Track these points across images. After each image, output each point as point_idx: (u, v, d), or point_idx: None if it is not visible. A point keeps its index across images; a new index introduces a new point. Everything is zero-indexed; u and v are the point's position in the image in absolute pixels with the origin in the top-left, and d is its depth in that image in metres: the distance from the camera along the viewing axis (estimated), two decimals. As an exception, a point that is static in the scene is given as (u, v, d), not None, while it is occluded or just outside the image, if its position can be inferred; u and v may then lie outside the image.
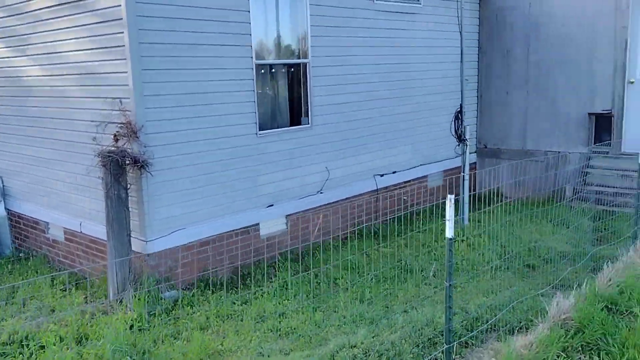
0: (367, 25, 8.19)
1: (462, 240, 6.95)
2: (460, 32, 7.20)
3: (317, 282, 6.16)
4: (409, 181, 9.30)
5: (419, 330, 4.33)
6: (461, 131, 7.14)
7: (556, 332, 4.04)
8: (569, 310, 4.39)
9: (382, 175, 8.72)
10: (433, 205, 9.35)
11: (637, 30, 8.81)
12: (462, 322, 4.43)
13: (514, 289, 5.54)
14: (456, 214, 8.15)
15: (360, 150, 8.35)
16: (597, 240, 7.28)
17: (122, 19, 5.59)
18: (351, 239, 7.77)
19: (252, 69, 6.71)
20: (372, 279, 6.04)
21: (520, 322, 4.48)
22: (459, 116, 7.14)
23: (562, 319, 4.33)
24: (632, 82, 8.95)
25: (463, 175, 7.26)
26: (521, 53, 10.06)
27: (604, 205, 8.56)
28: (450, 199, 3.16)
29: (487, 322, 4.37)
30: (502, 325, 4.37)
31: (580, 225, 7.70)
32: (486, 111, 10.62)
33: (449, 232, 3.31)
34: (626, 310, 4.60)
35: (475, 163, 10.78)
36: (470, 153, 10.68)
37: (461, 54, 7.26)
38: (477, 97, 10.65)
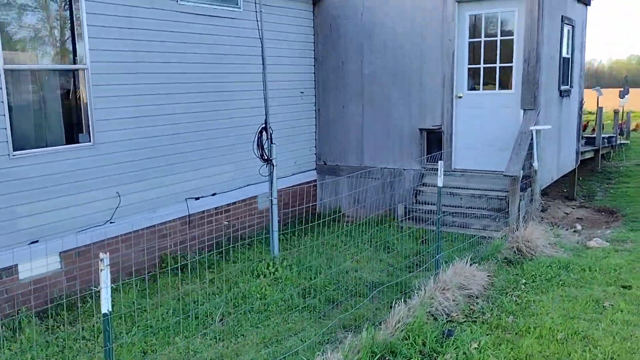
0: (171, 29, 7.17)
1: (265, 276, 6.09)
2: (261, 39, 6.39)
3: (74, 339, 4.98)
4: (234, 203, 8.36)
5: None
6: (263, 150, 6.30)
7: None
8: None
9: (197, 199, 7.70)
10: (263, 228, 8.53)
11: (463, 43, 8.58)
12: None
13: (304, 334, 4.75)
14: (267, 245, 7.34)
15: (166, 171, 7.27)
16: (417, 266, 6.76)
17: None
18: (162, 274, 6.69)
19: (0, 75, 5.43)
20: (139, 332, 4.97)
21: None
22: (262, 133, 6.30)
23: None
24: (460, 97, 8.71)
25: (271, 200, 6.42)
26: (356, 65, 9.55)
27: (434, 225, 8.15)
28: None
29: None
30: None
31: (402, 250, 7.18)
32: (324, 126, 10.00)
33: (105, 306, 2.34)
34: (403, 362, 3.94)
35: (315, 180, 10.12)
36: (308, 171, 10.08)
37: (263, 63, 6.46)
38: (315, 110, 10.02)
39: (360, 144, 9.70)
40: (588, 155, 13.65)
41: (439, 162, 5.62)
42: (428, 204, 8.67)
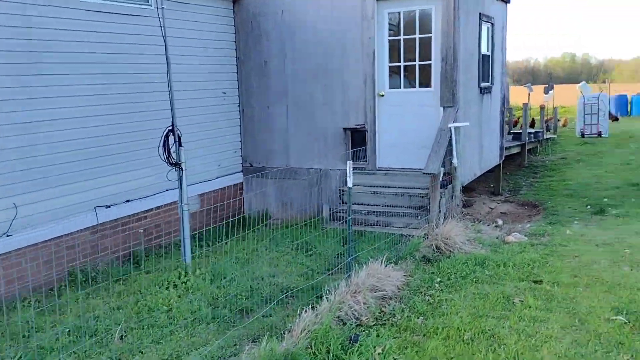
0: (75, 28, 6.75)
1: (176, 286, 5.79)
2: (164, 37, 6.08)
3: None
4: (153, 209, 8.00)
5: None
6: (170, 154, 5.99)
7: None
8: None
9: (108, 207, 7.29)
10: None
11: (383, 41, 8.52)
12: None
13: (207, 349, 4.49)
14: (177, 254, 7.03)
15: (74, 178, 6.84)
16: (339, 268, 6.62)
17: None
18: (71, 288, 6.27)
19: None
20: (26, 355, 4.58)
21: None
22: (169, 136, 5.99)
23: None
24: (382, 95, 8.65)
25: (181, 206, 6.12)
26: (278, 64, 9.35)
27: (358, 225, 8.06)
28: None
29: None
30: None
31: (323, 252, 7.03)
32: (249, 127, 9.75)
33: None
34: (303, 374, 3.75)
35: (241, 183, 9.85)
36: (234, 173, 9.79)
37: (167, 63, 6.14)
38: (240, 111, 9.74)
39: (286, 145, 9.51)
40: (515, 151, 13.99)
41: (348, 162, 5.54)
42: (354, 203, 8.56)
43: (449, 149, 7.92)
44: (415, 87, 8.51)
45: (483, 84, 9.49)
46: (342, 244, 7.50)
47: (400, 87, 8.60)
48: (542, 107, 17.21)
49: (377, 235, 7.40)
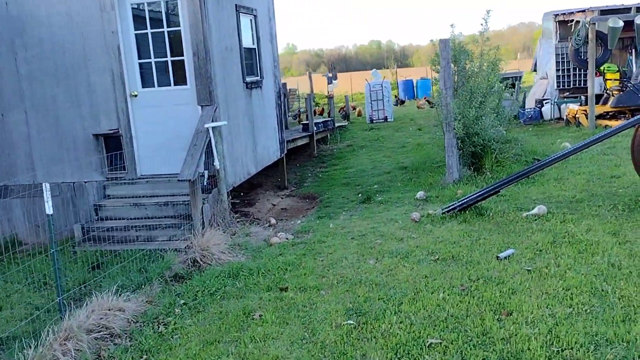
0: None
1: None
2: None
3: None
4: None
5: None
6: None
7: None
8: None
9: None
10: None
11: (129, 35, 7.67)
12: None
13: None
14: None
15: None
16: (76, 300, 5.71)
17: None
18: None
19: None
20: None
21: None
22: None
23: None
24: (135, 95, 7.82)
25: None
26: (10, 65, 7.95)
27: (116, 243, 7.18)
28: None
29: None
30: None
31: (62, 283, 6.05)
32: (-17, 139, 8.20)
33: None
34: None
35: (-20, 207, 8.28)
36: (-35, 196, 8.20)
37: None
38: (-32, 122, 8.13)
39: (30, 158, 8.19)
40: (304, 142, 14.11)
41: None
42: (111, 219, 7.65)
43: (210, 150, 7.41)
44: (170, 85, 7.82)
45: (249, 79, 9.15)
46: (91, 269, 6.58)
47: (154, 86, 7.84)
48: (330, 97, 17.71)
49: (135, 254, 6.61)
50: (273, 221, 8.22)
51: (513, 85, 23.15)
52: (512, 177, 7.21)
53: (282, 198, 10.67)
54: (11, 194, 8.22)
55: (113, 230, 7.32)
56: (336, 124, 17.34)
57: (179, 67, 7.74)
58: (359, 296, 4.78)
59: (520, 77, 25.49)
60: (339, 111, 20.06)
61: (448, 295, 4.58)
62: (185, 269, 6.02)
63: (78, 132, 7.99)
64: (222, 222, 7.42)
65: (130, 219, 7.57)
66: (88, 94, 7.87)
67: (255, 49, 9.57)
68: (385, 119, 19.41)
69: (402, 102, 25.32)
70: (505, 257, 5.23)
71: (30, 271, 6.41)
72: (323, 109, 20.95)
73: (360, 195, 9.29)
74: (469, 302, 4.38)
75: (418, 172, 10.29)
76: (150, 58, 7.73)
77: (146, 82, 7.85)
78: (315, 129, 14.76)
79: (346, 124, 19.08)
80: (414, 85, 28.85)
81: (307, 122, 14.85)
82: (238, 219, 8.30)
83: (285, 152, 11.37)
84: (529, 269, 4.91)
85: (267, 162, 10.09)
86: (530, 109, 15.85)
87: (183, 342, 4.30)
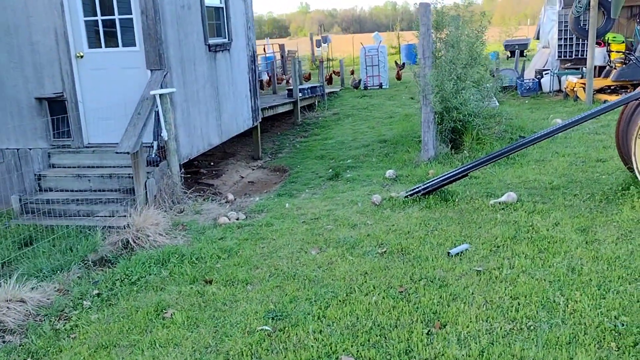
0: None
1: None
2: None
3: None
4: None
5: None
6: None
7: None
8: None
9: None
10: None
11: (74, -10, 7.00)
12: None
13: None
14: None
15: None
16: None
17: None
18: None
19: None
20: None
21: None
22: None
23: None
24: (81, 56, 7.20)
25: None
26: (-53, 19, 7.32)
27: (55, 218, 6.71)
28: None
29: None
30: None
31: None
32: None
33: None
34: None
35: None
36: None
37: None
38: None
39: (-28, 121, 7.65)
40: (285, 109, 13.45)
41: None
42: (54, 190, 7.15)
43: (158, 119, 6.82)
44: (118, 46, 7.18)
45: (214, 41, 8.46)
46: (21, 246, 6.10)
47: (101, 47, 7.21)
48: (321, 62, 16.91)
49: (72, 231, 6.13)
50: (231, 197, 7.67)
51: (512, 54, 22.17)
52: (486, 158, 6.56)
53: (252, 170, 10.11)
54: (-46, 160, 7.72)
55: (53, 203, 6.83)
56: (326, 90, 16.59)
57: (127, 26, 7.09)
58: (286, 294, 4.27)
59: (526, 45, 24.46)
60: (328, 76, 19.21)
61: (383, 298, 4.05)
62: (114, 252, 5.53)
63: (22, 96, 7.41)
64: (169, 198, 6.89)
65: (73, 191, 7.07)
66: (31, 54, 7.26)
67: (222, 7, 8.83)
68: (380, 85, 18.62)
69: (402, 66, 24.34)
70: (457, 254, 4.67)
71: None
72: (310, 74, 20.13)
73: (330, 170, 8.71)
74: (401, 309, 3.85)
75: (397, 146, 9.66)
76: (97, 16, 7.07)
77: (93, 42, 7.21)
78: (300, 95, 14.07)
79: (338, 89, 18.32)
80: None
81: (292, 87, 14.14)
82: (197, 193, 7.78)
83: (260, 120, 10.74)
84: (479, 269, 4.36)
85: (236, 132, 9.49)
86: (529, 79, 15.01)
87: (75, 345, 3.82)
